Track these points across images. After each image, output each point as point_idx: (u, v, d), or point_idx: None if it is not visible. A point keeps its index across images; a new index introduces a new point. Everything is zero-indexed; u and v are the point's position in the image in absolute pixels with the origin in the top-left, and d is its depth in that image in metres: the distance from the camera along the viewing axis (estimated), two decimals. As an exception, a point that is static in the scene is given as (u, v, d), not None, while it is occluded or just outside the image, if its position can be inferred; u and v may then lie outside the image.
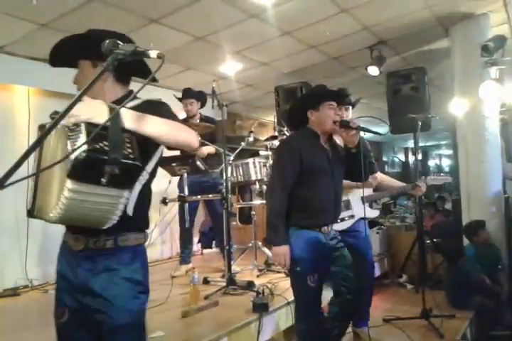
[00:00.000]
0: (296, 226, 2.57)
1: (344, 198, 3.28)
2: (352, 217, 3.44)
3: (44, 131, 0.97)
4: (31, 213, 1.47)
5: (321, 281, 2.62)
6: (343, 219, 3.35)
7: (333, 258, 2.67)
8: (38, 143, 0.93)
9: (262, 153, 4.76)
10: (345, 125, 2.54)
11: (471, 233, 4.49)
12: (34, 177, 1.42)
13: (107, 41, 1.19)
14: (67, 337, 1.58)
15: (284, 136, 5.03)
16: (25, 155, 0.90)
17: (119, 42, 1.19)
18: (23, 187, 4.48)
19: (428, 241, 4.84)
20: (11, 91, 4.60)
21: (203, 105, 4.48)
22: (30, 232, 4.46)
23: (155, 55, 1.18)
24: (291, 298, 3.47)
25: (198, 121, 4.40)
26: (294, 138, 2.84)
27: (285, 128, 5.09)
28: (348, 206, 3.46)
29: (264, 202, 4.68)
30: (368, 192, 3.56)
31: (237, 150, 4.42)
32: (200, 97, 4.41)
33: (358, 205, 3.46)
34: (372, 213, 3.81)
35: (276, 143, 5.03)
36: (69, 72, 5.40)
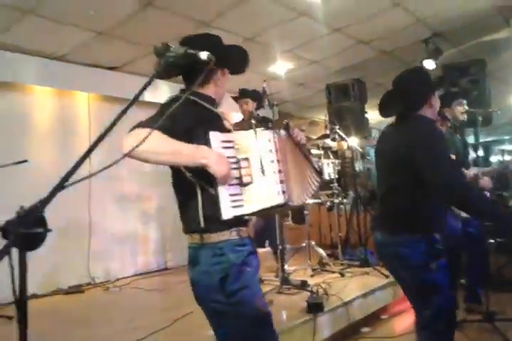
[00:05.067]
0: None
1: None
2: None
3: (105, 130, 1.01)
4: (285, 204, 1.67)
5: None
6: None
7: None
8: (96, 144, 0.97)
9: (313, 152, 4.71)
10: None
11: None
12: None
13: (159, 44, 1.22)
14: (272, 324, 1.71)
15: (336, 135, 4.96)
16: (84, 157, 0.94)
17: (170, 44, 1.22)
18: (85, 190, 4.66)
19: (492, 241, 4.61)
20: (72, 98, 4.85)
21: (259, 105, 4.43)
22: (92, 233, 4.68)
23: (205, 57, 1.21)
24: (346, 298, 3.43)
25: (247, 120, 4.38)
26: (436, 128, 2.34)
27: (337, 127, 5.02)
28: None
29: (316, 201, 4.64)
30: None
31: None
32: (255, 97, 4.37)
33: None
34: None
35: (329, 142, 4.98)
36: (126, 78, 5.57)
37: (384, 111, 2.44)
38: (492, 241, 4.64)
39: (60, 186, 0.86)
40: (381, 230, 2.36)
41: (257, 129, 1.66)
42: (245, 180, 1.56)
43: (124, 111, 1.11)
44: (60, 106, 4.74)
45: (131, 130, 1.43)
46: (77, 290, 4.36)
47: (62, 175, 0.97)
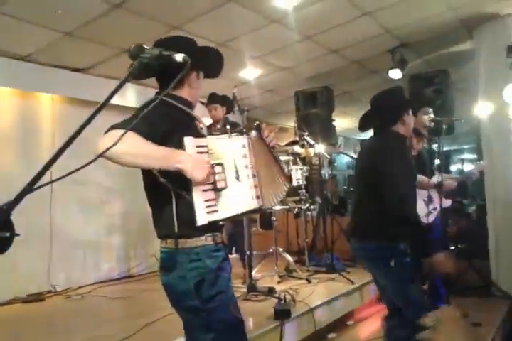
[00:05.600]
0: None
1: (426, 193, 3.56)
2: (435, 209, 3.60)
3: (71, 137, 0.97)
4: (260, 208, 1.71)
5: None
6: (430, 212, 3.60)
7: None
8: (64, 149, 0.93)
9: (282, 158, 4.72)
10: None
11: None
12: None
13: (133, 46, 1.19)
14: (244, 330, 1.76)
15: (305, 142, 5.00)
16: (54, 159, 0.90)
17: (145, 46, 1.19)
18: (47, 195, 4.51)
19: (452, 248, 4.75)
20: (35, 99, 4.67)
21: (229, 110, 4.42)
22: (52, 239, 4.52)
23: (181, 59, 1.19)
24: (313, 304, 3.44)
25: (221, 126, 4.36)
26: (404, 143, 2.61)
27: (306, 133, 5.05)
28: (431, 200, 3.64)
29: (284, 207, 4.65)
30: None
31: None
32: (225, 102, 4.37)
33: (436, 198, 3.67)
34: (448, 202, 3.95)
35: (296, 148, 5.00)
36: (92, 80, 5.44)
37: (362, 127, 2.65)
38: (452, 247, 4.78)
39: (29, 189, 0.82)
40: (353, 237, 2.58)
41: (232, 134, 1.66)
42: (219, 185, 1.56)
43: (95, 113, 1.07)
44: (23, 107, 4.55)
45: (107, 131, 1.42)
46: (36, 298, 4.17)
47: (24, 179, 0.92)
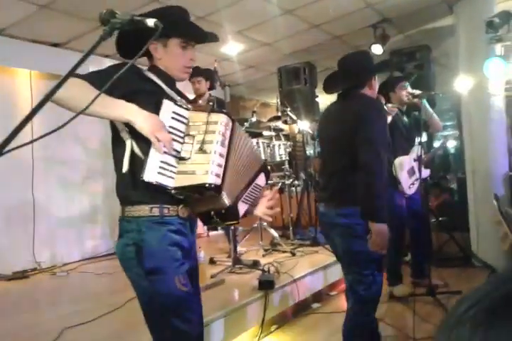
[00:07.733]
0: None
1: (410, 165, 3.67)
2: (417, 180, 3.67)
3: (38, 103, 0.96)
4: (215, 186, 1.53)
5: None
6: (412, 184, 3.68)
7: None
8: (34, 114, 0.93)
9: (265, 133, 4.73)
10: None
11: None
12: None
13: (104, 11, 1.18)
14: (194, 301, 1.70)
15: (288, 117, 5.00)
16: (22, 125, 0.90)
17: (116, 11, 1.18)
18: (28, 173, 4.45)
19: (433, 220, 4.85)
20: (12, 75, 4.58)
21: (212, 84, 4.33)
22: (36, 216, 4.50)
23: (152, 24, 1.18)
24: (297, 275, 3.52)
25: (204, 101, 4.28)
26: (381, 106, 2.58)
27: (288, 109, 5.05)
28: (414, 171, 3.73)
29: (268, 182, 4.68)
30: None
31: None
32: (209, 75, 4.26)
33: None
34: (427, 172, 4.08)
35: (279, 124, 5.01)
36: (71, 55, 5.33)
37: (328, 88, 2.55)
38: (433, 220, 4.89)
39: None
40: (326, 202, 2.45)
41: (212, 113, 1.61)
42: (183, 154, 1.53)
43: (64, 79, 1.06)
44: (0, 83, 4.47)
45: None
46: (21, 275, 4.18)
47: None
